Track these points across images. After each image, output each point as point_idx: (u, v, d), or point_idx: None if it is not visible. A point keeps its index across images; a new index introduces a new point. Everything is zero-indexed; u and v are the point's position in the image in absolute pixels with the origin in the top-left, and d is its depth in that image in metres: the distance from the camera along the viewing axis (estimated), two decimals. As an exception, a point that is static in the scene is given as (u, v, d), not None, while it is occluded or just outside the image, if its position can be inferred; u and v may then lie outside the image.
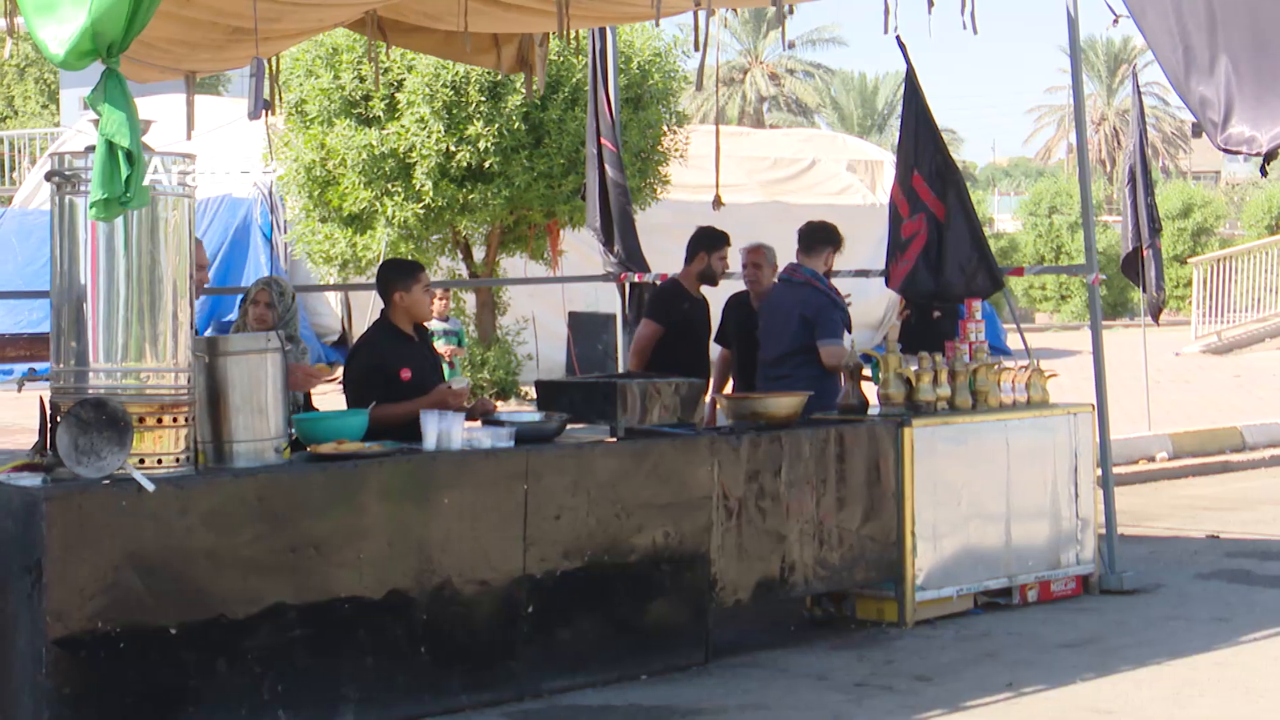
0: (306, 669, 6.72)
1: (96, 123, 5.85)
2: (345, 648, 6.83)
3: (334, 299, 22.44)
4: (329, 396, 8.36)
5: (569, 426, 7.94)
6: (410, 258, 18.21)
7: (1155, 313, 12.05)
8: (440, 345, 14.83)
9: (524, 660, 7.39)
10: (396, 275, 8.36)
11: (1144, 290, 12.95)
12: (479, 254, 19.69)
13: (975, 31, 9.35)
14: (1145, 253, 11.14)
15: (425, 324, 8.49)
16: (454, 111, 17.55)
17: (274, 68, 10.69)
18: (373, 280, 19.63)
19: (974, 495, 9.14)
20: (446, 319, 15.17)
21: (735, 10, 51.53)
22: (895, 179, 10.35)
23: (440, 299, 15.14)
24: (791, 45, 67.61)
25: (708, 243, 10.49)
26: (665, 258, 12.46)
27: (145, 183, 6.30)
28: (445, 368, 14.71)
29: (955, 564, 9.05)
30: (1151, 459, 16.04)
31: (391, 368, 8.10)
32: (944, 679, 7.80)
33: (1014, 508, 9.33)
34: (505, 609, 7.34)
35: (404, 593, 7.01)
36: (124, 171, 5.72)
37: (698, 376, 9.30)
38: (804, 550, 8.42)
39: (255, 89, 7.79)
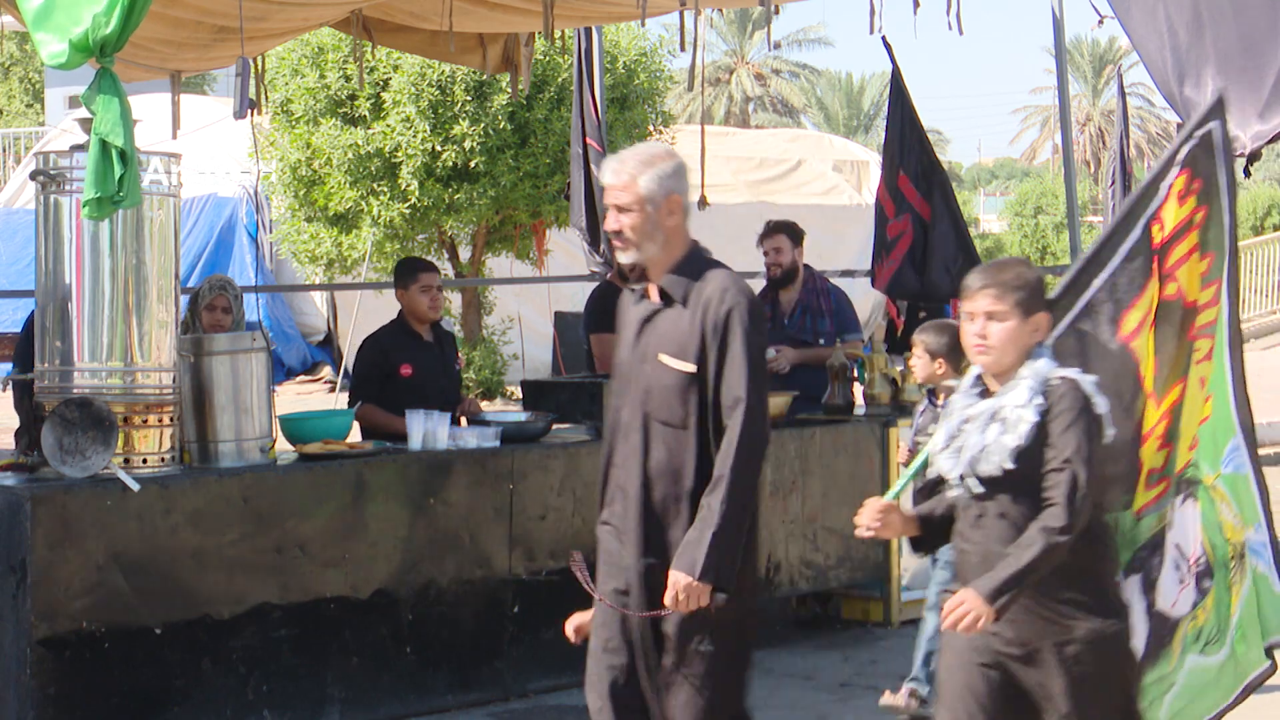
0: (292, 669, 6.71)
1: (83, 121, 5.83)
2: (331, 648, 6.82)
3: (319, 299, 22.41)
4: (314, 397, 8.34)
5: (555, 426, 7.94)
6: (397, 258, 18.23)
7: (1124, 315, 12.08)
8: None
9: (509, 660, 7.39)
10: (399, 274, 8.45)
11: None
12: (465, 254, 19.68)
13: (961, 32, 9.36)
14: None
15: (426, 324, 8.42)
16: (439, 111, 17.55)
17: (259, 67, 10.67)
18: (357, 279, 19.58)
19: (959, 495, 9.13)
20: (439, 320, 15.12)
21: (721, 10, 51.55)
22: (881, 179, 10.36)
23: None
24: (777, 45, 67.56)
25: None
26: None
27: (144, 184, 6.30)
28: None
29: (941, 564, 9.05)
30: (1136, 459, 16.05)
31: (392, 364, 8.14)
32: (929, 679, 7.80)
33: (999, 508, 9.33)
34: (491, 609, 7.34)
35: (389, 593, 7.01)
36: (117, 170, 5.70)
37: None
38: (789, 550, 8.42)
39: (241, 88, 7.77)
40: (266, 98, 11.93)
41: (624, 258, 5.00)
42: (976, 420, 4.59)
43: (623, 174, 4.97)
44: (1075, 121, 68.05)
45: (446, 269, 20.04)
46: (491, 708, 7.24)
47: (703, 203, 11.64)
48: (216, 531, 6.54)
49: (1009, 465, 4.48)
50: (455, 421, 7.85)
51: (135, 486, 6.23)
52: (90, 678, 6.19)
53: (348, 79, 17.66)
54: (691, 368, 4.90)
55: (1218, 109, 5.17)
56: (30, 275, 6.87)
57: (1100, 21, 10.69)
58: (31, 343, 7.64)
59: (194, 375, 6.73)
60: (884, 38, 9.72)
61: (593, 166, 11.41)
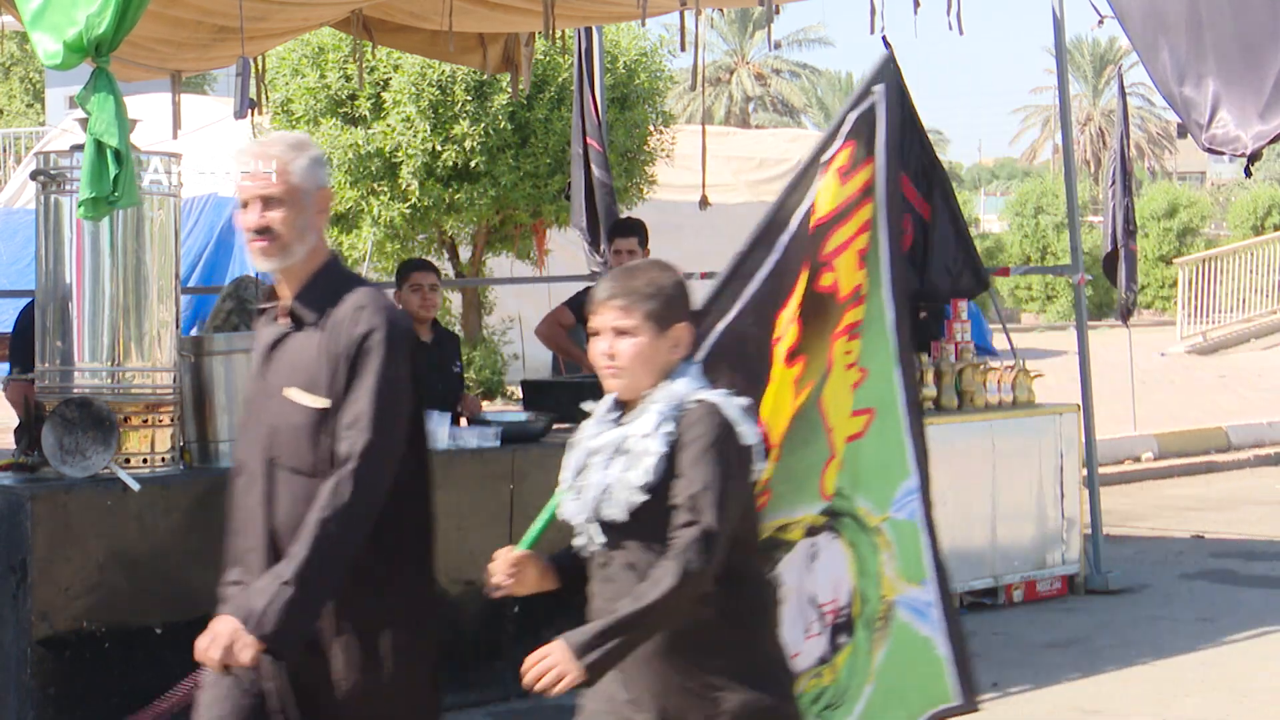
0: (292, 669, 6.70)
1: (84, 121, 5.84)
2: (331, 648, 6.81)
3: (320, 298, 22.40)
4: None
5: (555, 426, 7.94)
6: (397, 257, 18.22)
7: (1125, 314, 12.13)
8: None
9: (510, 660, 7.35)
10: (395, 275, 8.58)
11: (1116, 291, 13.06)
12: (465, 254, 19.69)
13: (961, 32, 9.36)
14: (1119, 254, 11.22)
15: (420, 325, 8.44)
16: (440, 111, 17.54)
17: (260, 67, 10.67)
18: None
19: (959, 495, 9.13)
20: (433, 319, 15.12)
21: (721, 10, 51.54)
22: (881, 179, 10.33)
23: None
24: (778, 45, 67.37)
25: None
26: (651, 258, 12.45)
27: (144, 184, 6.30)
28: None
29: (941, 564, 9.04)
30: (1137, 459, 16.07)
31: None
32: (929, 679, 7.79)
33: (999, 508, 9.34)
34: (491, 609, 7.32)
35: (390, 593, 6.99)
36: (112, 171, 5.70)
37: None
38: (790, 550, 8.41)
39: (241, 88, 7.78)
40: (267, 98, 11.94)
41: (270, 262, 4.06)
42: (601, 454, 3.84)
43: (269, 160, 4.05)
44: (1075, 121, 68.06)
45: (447, 269, 20.03)
46: (491, 708, 7.24)
47: (703, 203, 11.69)
48: (217, 531, 6.51)
49: (637, 502, 3.72)
50: (456, 421, 7.85)
51: (135, 486, 6.23)
52: (90, 678, 6.18)
53: (348, 79, 17.65)
54: (324, 403, 4.01)
55: (887, 66, 4.47)
56: (30, 275, 6.86)
57: (1100, 21, 10.66)
58: (22, 341, 7.66)
59: (194, 375, 6.73)
60: (884, 38, 9.71)
61: (593, 166, 11.42)
